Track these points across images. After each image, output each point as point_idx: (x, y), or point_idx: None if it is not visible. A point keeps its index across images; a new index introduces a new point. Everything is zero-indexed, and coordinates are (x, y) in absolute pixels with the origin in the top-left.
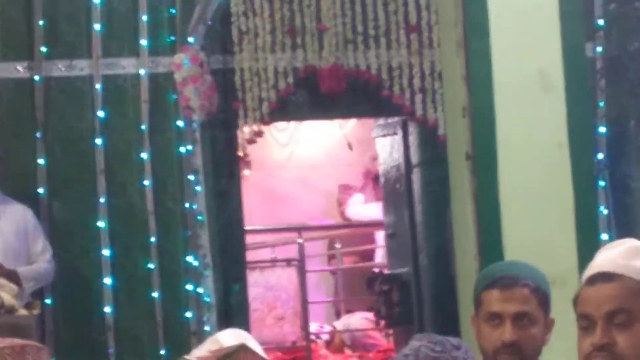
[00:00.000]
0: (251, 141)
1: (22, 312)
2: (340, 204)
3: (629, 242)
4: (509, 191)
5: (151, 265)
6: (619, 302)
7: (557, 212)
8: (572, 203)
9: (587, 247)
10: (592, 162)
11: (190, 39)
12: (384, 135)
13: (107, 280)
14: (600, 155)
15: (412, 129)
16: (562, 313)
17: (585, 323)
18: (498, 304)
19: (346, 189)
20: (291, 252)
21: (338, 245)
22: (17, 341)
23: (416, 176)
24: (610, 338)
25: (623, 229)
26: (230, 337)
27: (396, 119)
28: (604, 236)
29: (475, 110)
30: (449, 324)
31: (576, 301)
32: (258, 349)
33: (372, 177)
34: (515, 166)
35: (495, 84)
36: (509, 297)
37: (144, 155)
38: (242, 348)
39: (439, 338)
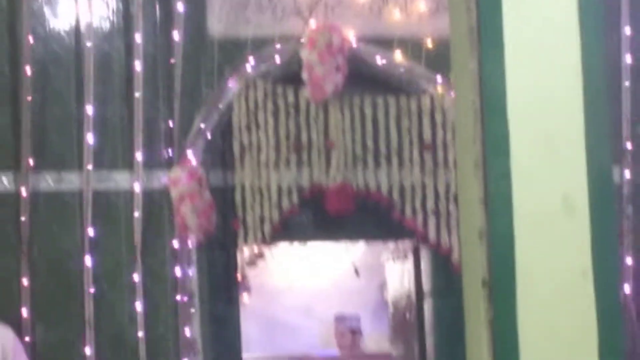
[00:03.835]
0: (251, 264)
1: None
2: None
3: None
4: (529, 322)
5: None
6: None
7: (580, 343)
8: (596, 335)
9: None
10: (617, 292)
11: (189, 153)
12: (394, 261)
13: None
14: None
15: (425, 254)
16: None
17: None
18: None
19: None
20: None
21: None
22: None
23: (428, 305)
24: None
25: None
26: None
27: (407, 243)
28: None
29: (493, 235)
30: None
31: None
32: None
33: None
34: (535, 295)
35: (515, 207)
36: None
37: (136, 277)
38: None
39: None
